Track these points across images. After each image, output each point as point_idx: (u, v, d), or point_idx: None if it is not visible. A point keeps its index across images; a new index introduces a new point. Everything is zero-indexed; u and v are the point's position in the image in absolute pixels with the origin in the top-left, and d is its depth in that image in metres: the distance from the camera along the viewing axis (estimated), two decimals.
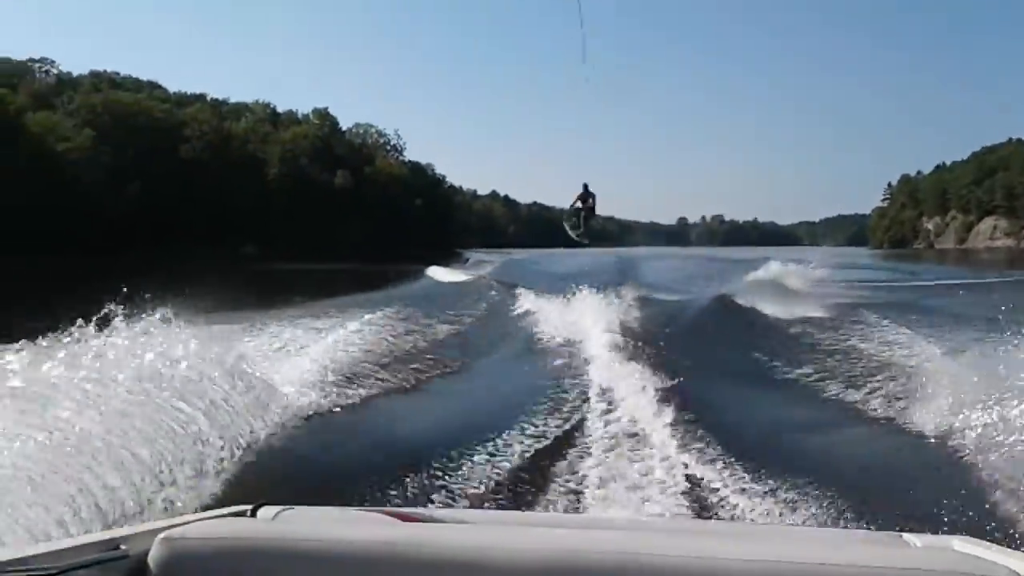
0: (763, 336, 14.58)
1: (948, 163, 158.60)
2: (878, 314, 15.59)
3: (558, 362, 11.41)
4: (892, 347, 12.15)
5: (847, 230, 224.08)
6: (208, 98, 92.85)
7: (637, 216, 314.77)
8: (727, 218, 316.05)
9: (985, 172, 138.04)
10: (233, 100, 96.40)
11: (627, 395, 8.58)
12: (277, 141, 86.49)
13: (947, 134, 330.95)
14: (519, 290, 21.89)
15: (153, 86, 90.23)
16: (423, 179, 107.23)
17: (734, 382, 10.88)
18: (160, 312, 7.13)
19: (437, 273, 31.72)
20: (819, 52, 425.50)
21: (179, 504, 5.24)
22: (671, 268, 35.39)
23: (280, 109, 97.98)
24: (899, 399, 8.81)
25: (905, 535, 2.13)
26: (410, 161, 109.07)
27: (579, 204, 24.80)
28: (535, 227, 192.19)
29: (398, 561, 1.65)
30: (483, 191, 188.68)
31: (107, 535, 1.80)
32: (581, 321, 14.61)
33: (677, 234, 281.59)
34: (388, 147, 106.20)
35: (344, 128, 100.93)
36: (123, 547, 1.72)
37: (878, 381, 9.85)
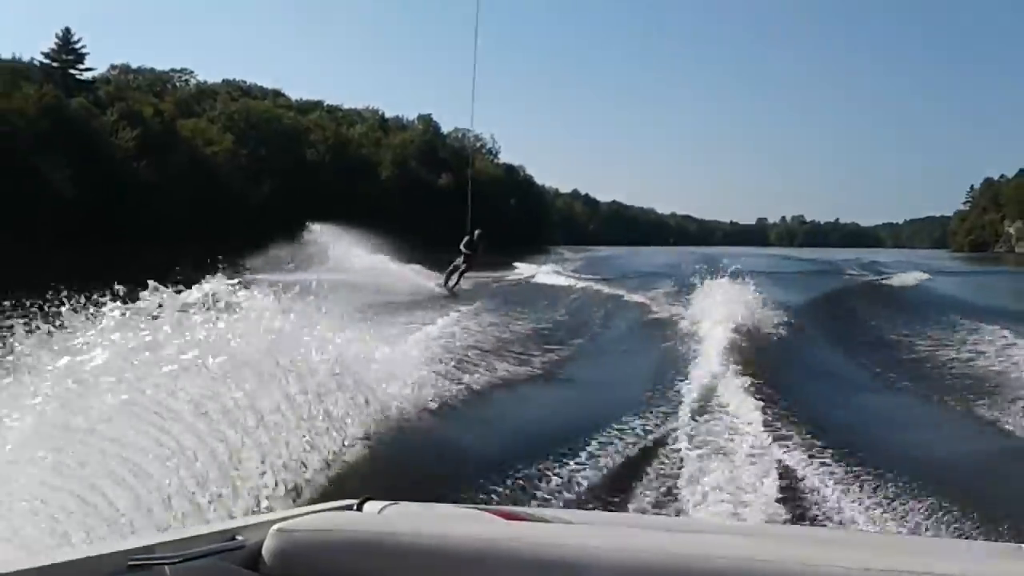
0: (867, 338, 14.88)
1: None
2: (995, 323, 15.08)
3: (661, 357, 11.68)
4: (1005, 354, 12.03)
5: (932, 232, 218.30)
6: (324, 105, 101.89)
7: (717, 216, 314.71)
8: (808, 219, 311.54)
9: None
10: (346, 106, 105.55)
11: (730, 395, 8.62)
12: (388, 145, 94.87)
13: None
14: (613, 286, 23.16)
15: (277, 94, 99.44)
16: (515, 180, 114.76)
17: (839, 384, 10.90)
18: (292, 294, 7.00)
19: (541, 275, 30.95)
20: (905, 54, 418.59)
21: (285, 496, 5.32)
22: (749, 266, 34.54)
23: (388, 115, 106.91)
24: (1018, 406, 8.77)
25: None
26: (504, 163, 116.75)
27: (461, 260, 23.28)
28: (614, 225, 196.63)
29: (502, 559, 1.64)
30: (564, 189, 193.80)
31: (224, 526, 1.86)
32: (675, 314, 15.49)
33: (756, 233, 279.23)
34: (485, 150, 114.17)
35: (445, 132, 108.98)
36: (239, 538, 1.77)
37: (993, 388, 9.81)
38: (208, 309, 5.95)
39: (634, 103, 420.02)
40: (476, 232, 23.69)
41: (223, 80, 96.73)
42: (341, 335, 7.70)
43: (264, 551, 1.71)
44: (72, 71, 71.76)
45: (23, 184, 50.34)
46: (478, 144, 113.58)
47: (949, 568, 1.49)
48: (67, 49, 71.86)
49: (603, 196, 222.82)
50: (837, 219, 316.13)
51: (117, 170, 61.25)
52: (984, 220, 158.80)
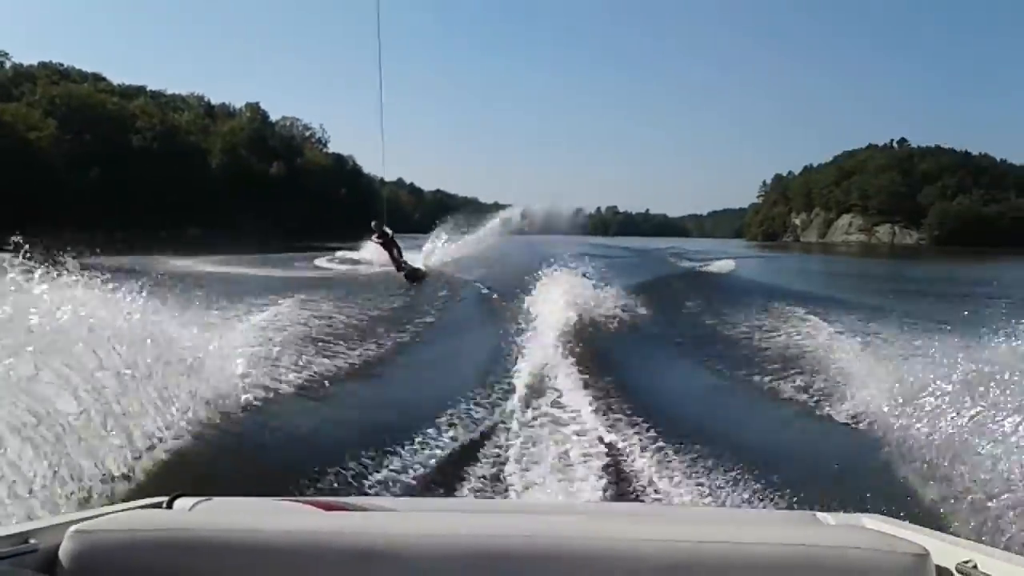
0: (683, 322, 15.51)
1: (815, 164, 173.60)
2: (799, 305, 15.97)
3: (497, 342, 11.54)
4: (805, 335, 12.64)
5: (733, 223, 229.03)
6: (148, 90, 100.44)
7: (535, 205, 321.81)
8: (620, 209, 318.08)
9: (844, 174, 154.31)
10: (169, 91, 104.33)
11: (561, 379, 8.83)
12: (217, 133, 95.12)
13: (820, 136, 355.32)
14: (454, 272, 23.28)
15: (97, 78, 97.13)
16: (344, 169, 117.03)
17: (663, 367, 11.38)
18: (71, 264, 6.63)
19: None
20: (712, 52, 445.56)
21: (87, 496, 4.89)
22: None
23: (214, 101, 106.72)
24: (818, 386, 9.13)
25: (819, 514, 2.17)
26: (334, 153, 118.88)
27: (385, 250, 24.06)
28: (439, 213, 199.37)
29: (321, 551, 1.61)
30: (389, 178, 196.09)
31: (15, 529, 1.70)
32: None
33: (570, 222, 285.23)
34: (314, 139, 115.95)
35: (273, 120, 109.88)
36: (32, 541, 1.65)
37: (793, 368, 10.24)
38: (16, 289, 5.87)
39: (454, 91, 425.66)
40: (375, 223, 24.75)
41: (39, 63, 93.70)
42: (156, 318, 7.50)
43: (61, 554, 1.60)
44: None
45: None
46: (307, 133, 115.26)
47: (749, 535, 1.66)
48: None
49: (427, 185, 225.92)
50: (647, 210, 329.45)
51: None
52: (774, 212, 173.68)
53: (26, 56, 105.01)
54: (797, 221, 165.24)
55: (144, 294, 7.75)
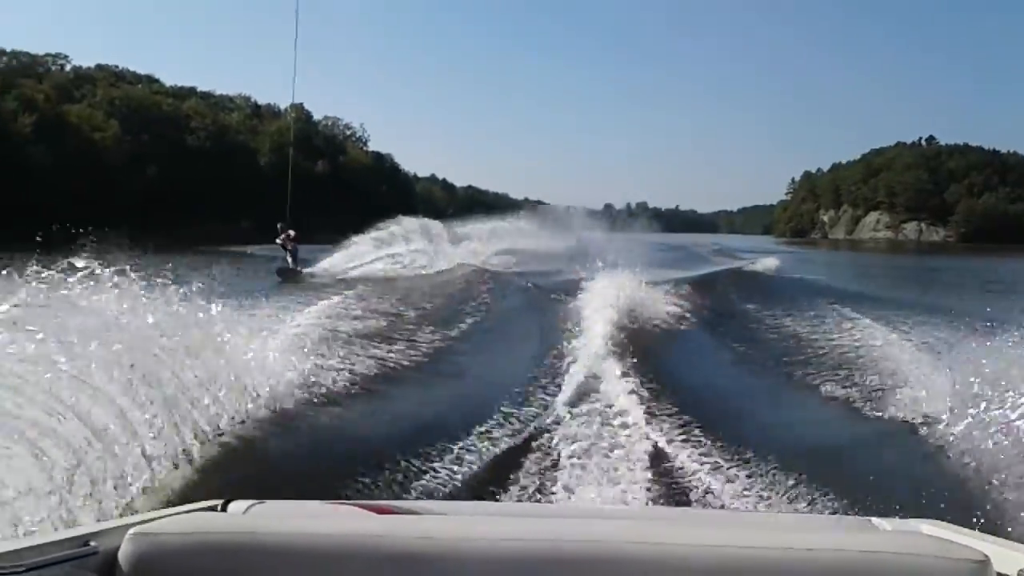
0: (732, 320, 15.38)
1: (844, 161, 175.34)
2: (850, 306, 15.88)
3: (545, 342, 11.63)
4: (859, 335, 12.57)
5: (763, 220, 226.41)
6: (198, 91, 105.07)
7: (566, 200, 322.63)
8: (651, 205, 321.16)
9: (872, 172, 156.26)
10: (218, 92, 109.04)
11: (610, 381, 8.71)
12: (265, 132, 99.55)
13: (850, 134, 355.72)
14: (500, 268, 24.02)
15: (150, 79, 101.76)
16: (384, 167, 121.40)
17: (713, 367, 11.35)
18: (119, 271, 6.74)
19: None
20: (746, 49, 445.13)
21: (146, 500, 5.03)
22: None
23: (260, 102, 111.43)
24: (872, 388, 9.06)
25: (874, 520, 2.17)
26: (373, 151, 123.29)
27: (288, 257, 26.46)
28: (472, 209, 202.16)
29: (372, 553, 1.64)
30: (422, 174, 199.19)
31: (76, 532, 1.77)
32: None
33: (602, 219, 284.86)
34: (354, 138, 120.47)
35: (315, 120, 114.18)
36: (92, 543, 1.69)
37: (850, 370, 10.11)
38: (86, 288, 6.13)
39: (484, 88, 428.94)
40: (279, 225, 27.54)
41: (96, 65, 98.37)
42: (215, 316, 7.81)
43: (120, 556, 1.65)
44: None
45: None
46: (348, 132, 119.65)
47: (802, 541, 1.62)
48: None
49: (459, 181, 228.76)
50: (677, 206, 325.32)
51: (16, 154, 64.35)
52: (803, 209, 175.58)
53: (84, 59, 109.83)
54: (825, 218, 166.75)
55: (208, 296, 8.37)
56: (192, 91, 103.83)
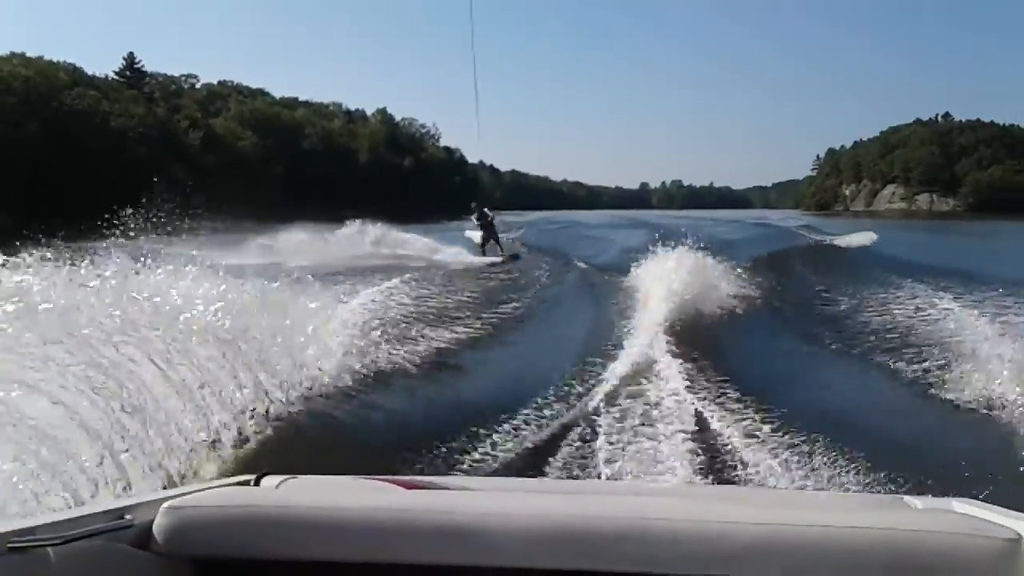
0: (786, 296, 15.14)
1: (864, 139, 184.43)
2: (912, 279, 15.45)
3: (598, 321, 11.89)
4: (926, 311, 12.04)
5: (796, 194, 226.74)
6: (300, 100, 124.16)
7: (603, 181, 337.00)
8: (685, 183, 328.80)
9: (889, 148, 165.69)
10: (315, 100, 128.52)
11: (660, 360, 8.64)
12: (362, 136, 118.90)
13: (874, 110, 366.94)
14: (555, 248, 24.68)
15: (261, 92, 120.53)
16: (454, 160, 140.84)
17: (755, 343, 11.10)
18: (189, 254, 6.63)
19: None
20: (779, 32, 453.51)
21: (181, 473, 5.14)
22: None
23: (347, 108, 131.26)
24: (927, 366, 8.87)
25: (906, 498, 2.15)
26: (444, 146, 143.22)
27: (479, 233, 25.24)
28: (516, 193, 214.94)
29: (402, 527, 1.64)
30: (470, 160, 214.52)
31: (111, 504, 1.79)
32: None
33: (639, 198, 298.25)
34: (428, 135, 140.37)
35: (396, 122, 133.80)
36: (127, 516, 1.71)
37: (908, 347, 9.88)
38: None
39: (524, 76, 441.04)
40: (475, 205, 26.95)
41: (219, 81, 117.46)
42: (277, 298, 8.26)
43: (155, 529, 1.67)
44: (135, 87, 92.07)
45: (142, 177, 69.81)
46: (424, 131, 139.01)
47: (835, 519, 1.62)
48: (132, 68, 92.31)
49: (503, 166, 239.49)
50: (711, 183, 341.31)
51: (193, 163, 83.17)
52: (827, 184, 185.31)
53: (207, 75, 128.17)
54: (847, 192, 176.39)
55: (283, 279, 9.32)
56: (296, 100, 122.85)
